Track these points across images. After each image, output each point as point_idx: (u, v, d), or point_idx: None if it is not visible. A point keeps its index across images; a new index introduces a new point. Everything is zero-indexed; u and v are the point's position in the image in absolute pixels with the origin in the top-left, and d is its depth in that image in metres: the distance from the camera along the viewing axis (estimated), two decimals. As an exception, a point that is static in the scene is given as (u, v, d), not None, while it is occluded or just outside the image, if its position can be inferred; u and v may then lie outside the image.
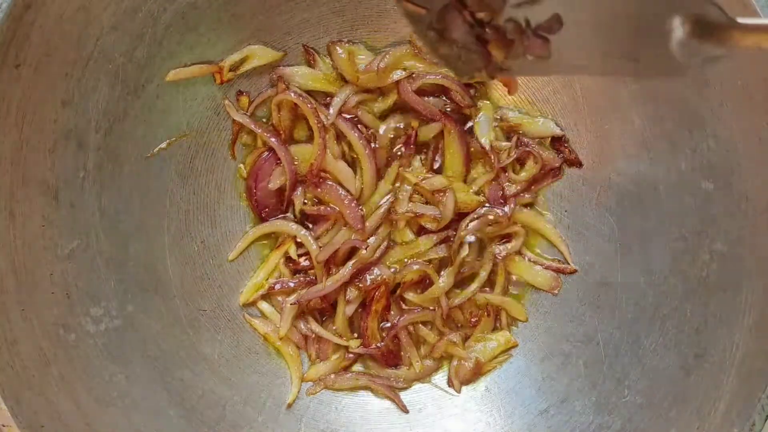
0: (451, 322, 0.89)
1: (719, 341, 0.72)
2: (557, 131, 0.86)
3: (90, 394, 0.71)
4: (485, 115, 0.87)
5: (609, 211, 0.84)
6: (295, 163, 0.86)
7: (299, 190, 0.87)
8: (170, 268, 0.82)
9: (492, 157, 0.86)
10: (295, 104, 0.85)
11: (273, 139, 0.85)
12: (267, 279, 0.88)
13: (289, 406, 0.84)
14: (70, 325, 0.72)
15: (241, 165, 0.87)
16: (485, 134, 0.86)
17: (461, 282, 0.88)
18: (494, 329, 0.88)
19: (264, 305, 0.87)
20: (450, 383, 0.86)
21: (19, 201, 0.69)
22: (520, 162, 0.88)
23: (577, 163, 0.86)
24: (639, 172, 0.81)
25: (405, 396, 0.87)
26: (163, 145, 0.82)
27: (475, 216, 0.86)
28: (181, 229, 0.84)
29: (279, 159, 0.86)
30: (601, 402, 0.79)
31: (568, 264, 0.86)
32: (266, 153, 0.86)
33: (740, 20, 0.44)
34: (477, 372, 0.86)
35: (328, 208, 0.86)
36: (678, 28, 0.43)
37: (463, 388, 0.86)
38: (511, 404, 0.84)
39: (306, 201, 0.87)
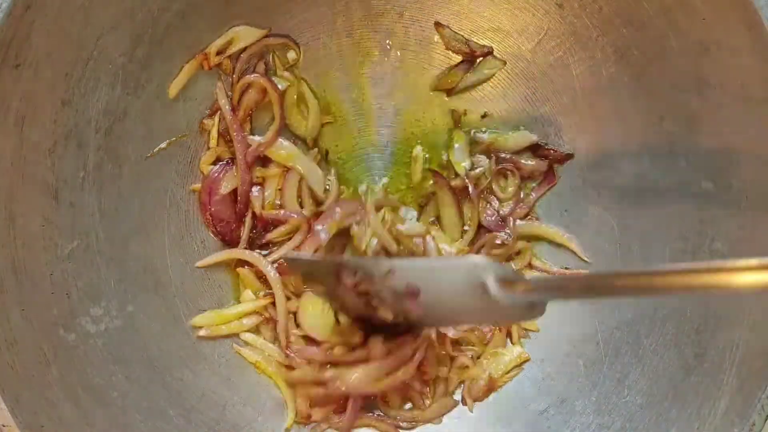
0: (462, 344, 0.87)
1: (719, 341, 0.72)
2: (533, 138, 0.86)
3: (90, 394, 0.71)
4: (459, 144, 0.87)
5: (609, 211, 0.84)
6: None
7: (257, 191, 0.85)
8: (170, 268, 0.82)
9: (469, 187, 0.86)
10: (264, 91, 0.84)
11: (230, 116, 0.83)
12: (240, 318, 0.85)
13: (287, 431, 0.83)
14: (70, 325, 0.72)
15: (193, 186, 0.85)
16: (462, 162, 0.87)
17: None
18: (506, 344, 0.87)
19: (247, 335, 0.85)
20: (463, 402, 0.85)
21: (19, 201, 0.69)
22: (505, 178, 0.88)
23: (566, 158, 0.86)
24: (639, 172, 0.81)
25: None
26: (163, 145, 0.82)
27: (480, 245, 0.86)
28: (181, 229, 0.84)
29: (230, 166, 0.84)
30: (601, 402, 0.79)
31: (582, 260, 0.85)
32: (218, 165, 0.85)
33: (528, 277, 0.66)
34: (490, 388, 0.84)
35: (288, 213, 0.85)
36: (493, 285, 0.60)
37: (463, 388, 0.86)
38: (511, 404, 0.84)
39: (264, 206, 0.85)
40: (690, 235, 0.76)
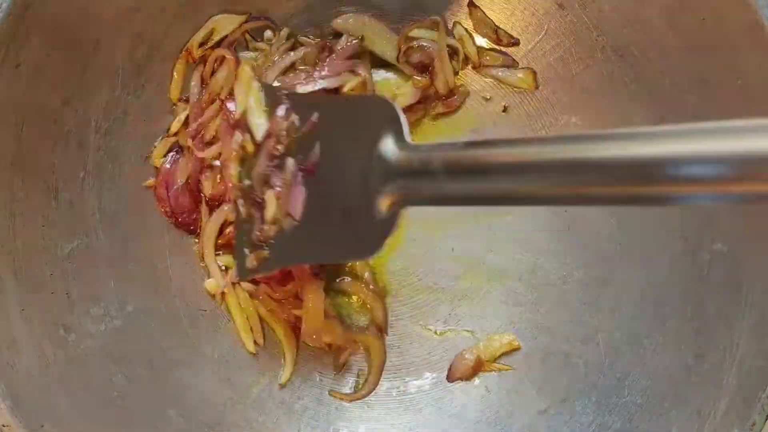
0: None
1: (719, 341, 0.72)
2: None
3: (90, 394, 0.71)
4: None
5: (609, 211, 0.84)
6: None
7: (207, 175, 0.81)
8: (170, 268, 0.82)
9: None
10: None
11: (194, 99, 0.81)
12: None
13: (282, 386, 0.82)
14: (70, 325, 0.72)
15: (146, 182, 0.82)
16: None
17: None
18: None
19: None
20: (449, 377, 0.86)
21: (19, 201, 0.69)
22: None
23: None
24: (639, 172, 0.81)
25: (405, 395, 0.87)
26: (163, 145, 0.82)
27: None
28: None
29: (180, 155, 0.81)
30: (601, 402, 0.79)
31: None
32: (168, 156, 0.82)
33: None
34: (477, 369, 0.85)
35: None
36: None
37: (463, 388, 0.86)
38: (511, 404, 0.84)
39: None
40: (690, 235, 0.76)
